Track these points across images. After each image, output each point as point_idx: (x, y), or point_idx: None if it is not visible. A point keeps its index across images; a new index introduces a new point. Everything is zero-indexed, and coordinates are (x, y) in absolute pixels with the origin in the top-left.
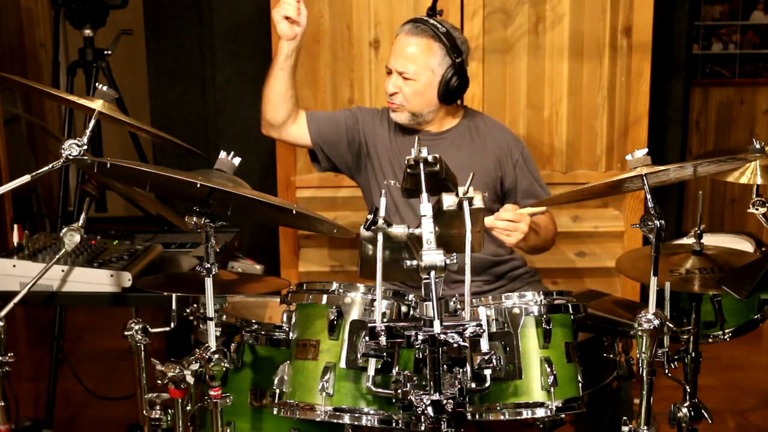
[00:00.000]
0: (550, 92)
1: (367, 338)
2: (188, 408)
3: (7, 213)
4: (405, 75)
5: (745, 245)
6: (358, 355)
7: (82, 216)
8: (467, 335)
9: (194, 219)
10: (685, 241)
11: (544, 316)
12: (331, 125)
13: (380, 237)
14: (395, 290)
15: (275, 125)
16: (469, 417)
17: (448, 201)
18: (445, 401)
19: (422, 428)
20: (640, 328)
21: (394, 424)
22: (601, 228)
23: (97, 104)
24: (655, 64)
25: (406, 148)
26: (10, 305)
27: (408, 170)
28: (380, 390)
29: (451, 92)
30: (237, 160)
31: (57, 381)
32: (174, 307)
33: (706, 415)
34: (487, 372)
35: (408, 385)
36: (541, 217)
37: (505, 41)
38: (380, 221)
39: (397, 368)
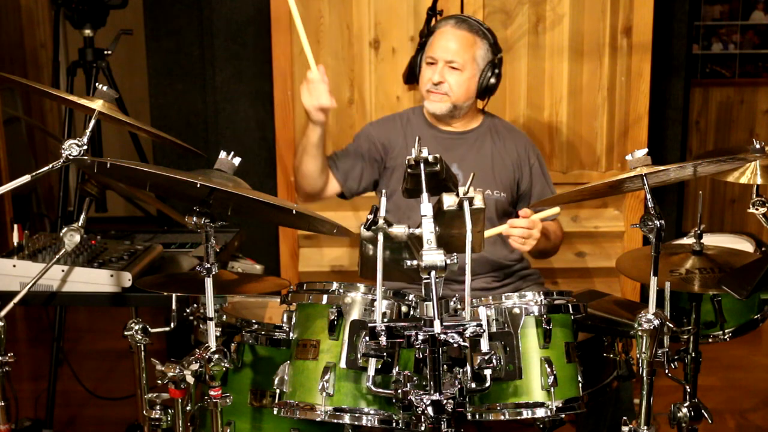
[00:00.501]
0: (550, 92)
1: (367, 338)
2: (188, 408)
3: (7, 213)
4: (453, 65)
5: (745, 245)
6: (359, 355)
7: (82, 216)
8: (467, 335)
9: (194, 219)
10: (685, 241)
11: (544, 316)
12: (354, 167)
13: (380, 237)
14: (396, 290)
15: (314, 195)
16: (469, 417)
17: (449, 201)
18: (445, 401)
19: (422, 428)
20: (640, 328)
21: (394, 424)
22: (601, 228)
23: (97, 104)
24: (655, 64)
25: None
26: (10, 305)
27: (408, 170)
28: (380, 390)
29: (489, 88)
30: (237, 160)
31: (57, 381)
32: (174, 307)
33: (706, 415)
34: (487, 372)
35: (408, 385)
36: (550, 224)
37: (505, 41)
38: (380, 221)
39: (397, 368)
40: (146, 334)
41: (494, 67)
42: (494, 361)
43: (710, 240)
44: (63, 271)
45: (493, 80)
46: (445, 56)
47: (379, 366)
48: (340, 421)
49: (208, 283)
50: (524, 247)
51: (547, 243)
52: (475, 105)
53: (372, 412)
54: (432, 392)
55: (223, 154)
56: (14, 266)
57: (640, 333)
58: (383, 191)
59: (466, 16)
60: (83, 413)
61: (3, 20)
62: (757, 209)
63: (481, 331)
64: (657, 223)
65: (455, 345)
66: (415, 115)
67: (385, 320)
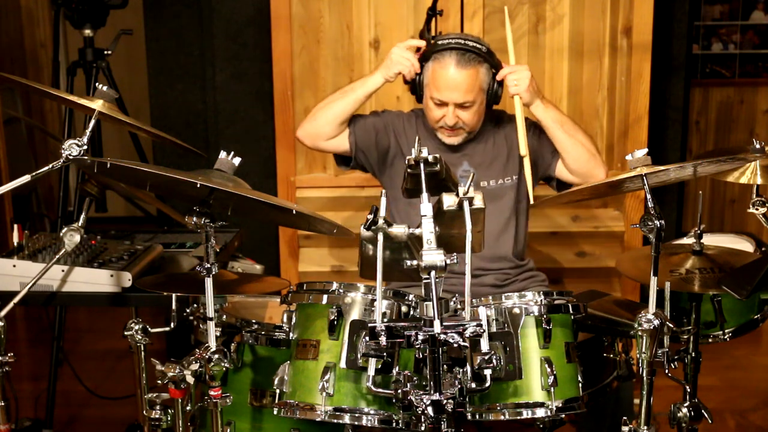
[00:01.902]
0: (550, 92)
1: (367, 338)
2: (188, 408)
3: (7, 213)
4: (466, 105)
5: (745, 245)
6: (358, 355)
7: (82, 216)
8: (467, 335)
9: (194, 219)
10: (685, 241)
11: (544, 316)
12: (366, 133)
13: (380, 237)
14: (396, 290)
15: (321, 137)
16: (469, 417)
17: (449, 201)
18: (445, 401)
19: (422, 428)
20: (640, 328)
21: (394, 424)
22: (601, 228)
23: (97, 104)
24: (655, 64)
25: (435, 148)
26: (10, 305)
27: (408, 170)
28: (380, 390)
29: (497, 98)
30: (237, 160)
31: (57, 381)
32: (174, 307)
33: (706, 415)
34: (487, 372)
35: (408, 385)
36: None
37: (505, 41)
38: (380, 221)
39: (397, 368)
40: (146, 334)
41: (495, 77)
42: (494, 361)
43: (710, 240)
44: (63, 271)
45: (500, 91)
46: (456, 99)
47: (379, 366)
48: (340, 421)
49: (208, 283)
50: (519, 87)
51: (556, 112)
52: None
53: (372, 412)
54: (432, 392)
55: (223, 154)
56: (14, 266)
57: (640, 333)
58: (383, 191)
59: (463, 44)
60: (83, 413)
61: (3, 20)
62: (757, 209)
63: (481, 331)
64: (657, 223)
65: (455, 345)
66: (423, 120)
67: (385, 320)
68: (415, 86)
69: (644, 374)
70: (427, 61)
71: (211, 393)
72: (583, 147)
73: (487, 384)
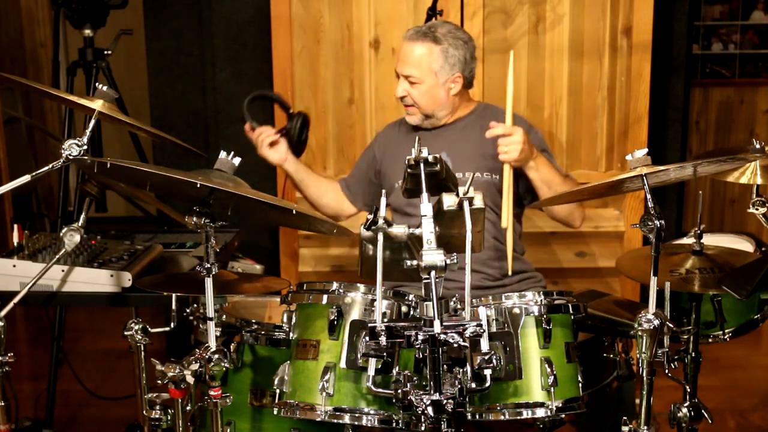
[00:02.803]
0: (550, 92)
1: (367, 338)
2: (188, 408)
3: (7, 213)
4: (411, 79)
5: (745, 245)
6: (358, 355)
7: (82, 216)
8: (467, 335)
9: (194, 219)
10: (685, 241)
11: (544, 316)
12: (362, 181)
13: (380, 237)
14: (396, 290)
15: (335, 217)
16: (469, 417)
17: (449, 201)
18: (445, 401)
19: (422, 428)
20: (640, 328)
21: (394, 424)
22: (601, 228)
23: (97, 104)
24: (655, 64)
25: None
26: (10, 305)
27: (408, 170)
28: (380, 390)
29: (473, 78)
30: (237, 160)
31: (57, 381)
32: (174, 307)
33: (706, 415)
34: (487, 372)
35: (408, 385)
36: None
37: (505, 41)
38: (380, 221)
39: (397, 368)
40: (146, 334)
41: (468, 62)
42: (494, 361)
43: (710, 240)
44: (63, 271)
45: (473, 72)
46: (403, 71)
47: (379, 366)
48: (340, 421)
49: (208, 283)
50: (510, 156)
51: (549, 169)
52: (465, 95)
53: (372, 412)
54: (432, 392)
55: (223, 154)
56: (14, 266)
57: (640, 333)
58: (383, 191)
59: (424, 26)
60: (83, 413)
61: (3, 20)
62: (757, 209)
63: (481, 331)
64: (657, 223)
65: (455, 345)
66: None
67: (385, 320)
68: None
69: (644, 374)
70: None
71: (211, 393)
72: (566, 205)
73: (487, 384)
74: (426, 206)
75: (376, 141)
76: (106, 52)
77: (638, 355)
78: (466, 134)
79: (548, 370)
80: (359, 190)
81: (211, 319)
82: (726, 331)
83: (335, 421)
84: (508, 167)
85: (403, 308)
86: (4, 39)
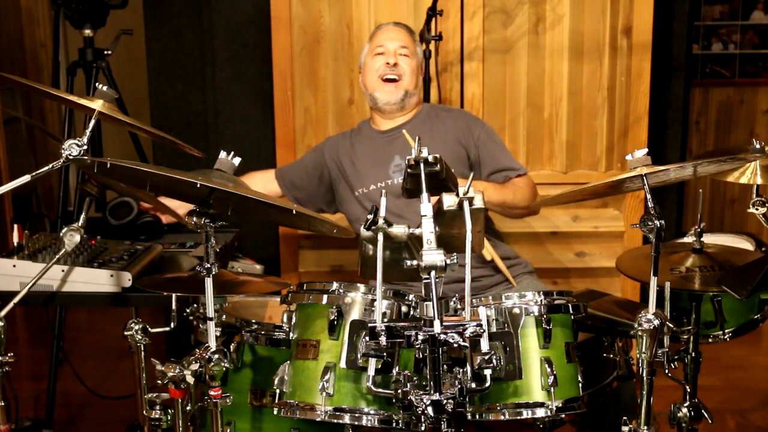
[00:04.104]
0: (550, 92)
1: (367, 338)
2: (188, 408)
3: (7, 213)
4: (404, 51)
5: (745, 245)
6: (358, 355)
7: (82, 216)
8: (467, 335)
9: (194, 219)
10: (685, 239)
11: (544, 316)
12: (301, 175)
13: (380, 237)
14: (396, 290)
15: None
16: (469, 417)
17: (449, 201)
18: (445, 401)
19: (422, 428)
20: (640, 328)
21: (394, 424)
22: (601, 228)
23: (97, 104)
24: (655, 64)
25: (369, 147)
26: (10, 305)
27: (408, 170)
28: (380, 390)
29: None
30: (237, 160)
31: (57, 381)
32: (174, 307)
33: (706, 415)
34: (487, 372)
35: (408, 385)
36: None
37: (505, 41)
38: (380, 221)
39: (397, 368)
40: (146, 334)
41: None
42: (494, 361)
43: (710, 240)
44: (63, 271)
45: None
46: (396, 44)
47: (379, 366)
48: (340, 421)
49: (208, 283)
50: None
51: (498, 194)
52: (420, 96)
53: (372, 412)
54: (432, 392)
55: (223, 154)
56: (14, 266)
57: (640, 333)
58: (383, 191)
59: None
60: (83, 413)
61: (3, 20)
62: (757, 209)
63: (481, 331)
64: (657, 223)
65: (455, 345)
66: (363, 125)
67: (385, 320)
68: None
69: (644, 374)
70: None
71: (211, 393)
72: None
73: (487, 384)
74: (426, 206)
75: (324, 147)
76: (106, 52)
77: (638, 355)
78: (416, 133)
79: (548, 370)
80: (292, 182)
81: (211, 319)
82: (726, 331)
83: (335, 421)
84: None
85: (403, 308)
86: (4, 39)
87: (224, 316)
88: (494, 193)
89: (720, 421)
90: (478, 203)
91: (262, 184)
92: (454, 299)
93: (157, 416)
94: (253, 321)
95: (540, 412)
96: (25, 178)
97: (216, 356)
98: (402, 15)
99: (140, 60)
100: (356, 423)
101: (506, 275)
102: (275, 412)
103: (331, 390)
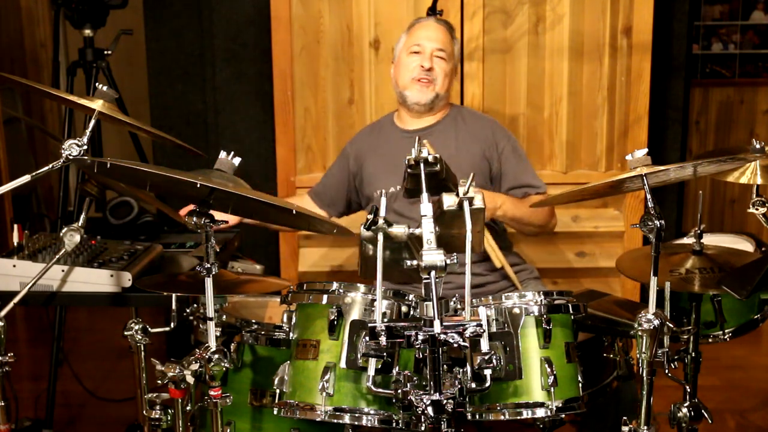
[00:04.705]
0: (550, 92)
1: (367, 338)
2: (188, 408)
3: (7, 213)
4: (441, 54)
5: (745, 245)
6: (359, 355)
7: (82, 216)
8: (467, 335)
9: (194, 219)
10: (685, 240)
11: (544, 316)
12: (330, 190)
13: (380, 237)
14: (396, 290)
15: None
16: (469, 417)
17: (449, 201)
18: (445, 401)
19: (422, 428)
20: (640, 328)
21: (394, 424)
22: (601, 228)
23: (97, 104)
24: (655, 64)
25: (392, 147)
26: (10, 305)
27: (408, 170)
28: (380, 390)
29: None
30: (237, 160)
31: (57, 381)
32: (174, 307)
33: (706, 415)
34: (487, 372)
35: (408, 385)
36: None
37: (505, 41)
38: (380, 221)
39: (397, 368)
40: (146, 334)
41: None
42: (494, 361)
43: (710, 240)
44: (63, 271)
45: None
46: (434, 45)
47: (379, 366)
48: (340, 421)
49: (208, 283)
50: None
51: (515, 210)
52: (448, 99)
53: (372, 412)
54: (432, 392)
55: (223, 154)
56: (14, 266)
57: (640, 333)
58: (383, 191)
59: (436, 17)
60: (83, 413)
61: (3, 20)
62: (757, 209)
63: (481, 331)
64: (657, 223)
65: (455, 345)
66: (385, 121)
67: (385, 320)
68: None
69: (644, 374)
70: (409, 30)
71: (211, 393)
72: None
73: (487, 384)
74: (426, 206)
75: (350, 152)
76: (106, 52)
77: (638, 355)
78: (442, 139)
79: (548, 370)
80: (330, 198)
81: (211, 319)
82: (726, 331)
83: (335, 421)
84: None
85: (403, 308)
86: (4, 39)
87: (224, 316)
88: (512, 208)
89: (720, 421)
90: (478, 203)
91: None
92: (454, 299)
93: (157, 416)
94: (253, 321)
95: (540, 412)
96: (25, 178)
97: (216, 356)
98: (402, 15)
99: (140, 60)
100: (356, 423)
101: (514, 282)
102: (275, 412)
103: (331, 390)
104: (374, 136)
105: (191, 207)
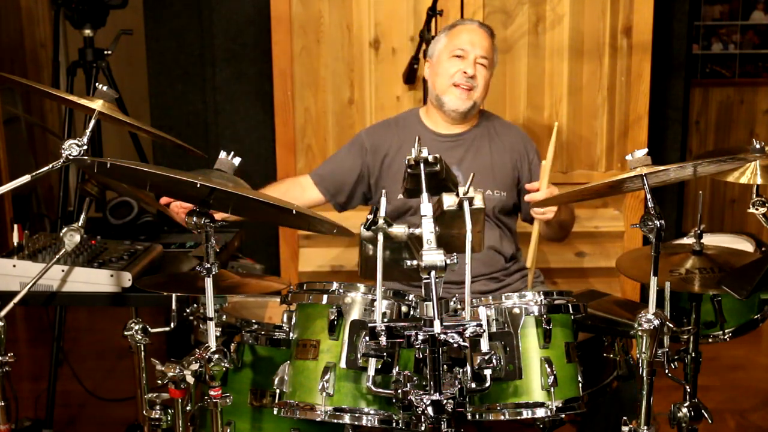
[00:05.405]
0: (550, 92)
1: (367, 338)
2: (188, 408)
3: (7, 213)
4: (484, 61)
5: (745, 245)
6: (359, 355)
7: (82, 216)
8: (467, 335)
9: (194, 219)
10: (685, 241)
11: (544, 316)
12: (337, 176)
13: (380, 237)
14: (396, 290)
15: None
16: (469, 417)
17: (449, 201)
18: (445, 401)
19: (422, 428)
20: (640, 328)
21: (394, 424)
22: (601, 228)
23: (97, 104)
24: (655, 64)
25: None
26: (10, 305)
27: (408, 170)
28: (380, 390)
29: None
30: (237, 160)
31: (57, 381)
32: (174, 307)
33: (706, 415)
34: (487, 372)
35: (408, 385)
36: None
37: (505, 41)
38: (380, 221)
39: (397, 368)
40: (146, 334)
41: None
42: (494, 361)
43: (710, 240)
44: (63, 271)
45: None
46: (478, 51)
47: (379, 366)
48: (340, 421)
49: (208, 283)
50: (546, 217)
51: (566, 213)
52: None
53: (372, 412)
54: (432, 392)
55: (223, 154)
56: (14, 266)
57: (640, 333)
58: (383, 191)
59: (479, 22)
60: (83, 413)
61: (3, 20)
62: (757, 209)
63: (481, 331)
64: (657, 223)
65: (455, 345)
66: (411, 119)
67: (385, 320)
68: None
69: (644, 374)
70: (451, 29)
71: (211, 393)
72: (561, 238)
73: (487, 384)
74: (426, 206)
75: (365, 143)
76: (106, 52)
77: (638, 355)
78: (475, 149)
79: (548, 370)
80: (336, 186)
81: (211, 319)
82: (726, 331)
83: (335, 421)
84: (538, 223)
85: (403, 308)
86: (4, 39)
87: (224, 316)
88: (565, 210)
89: (720, 421)
90: (478, 203)
91: (300, 191)
92: (454, 299)
93: (157, 416)
94: (253, 321)
95: (540, 412)
96: (25, 178)
97: (216, 356)
98: (402, 15)
99: (140, 60)
100: (356, 423)
101: (529, 285)
102: (275, 412)
103: (331, 390)
104: (398, 133)
105: (171, 199)
